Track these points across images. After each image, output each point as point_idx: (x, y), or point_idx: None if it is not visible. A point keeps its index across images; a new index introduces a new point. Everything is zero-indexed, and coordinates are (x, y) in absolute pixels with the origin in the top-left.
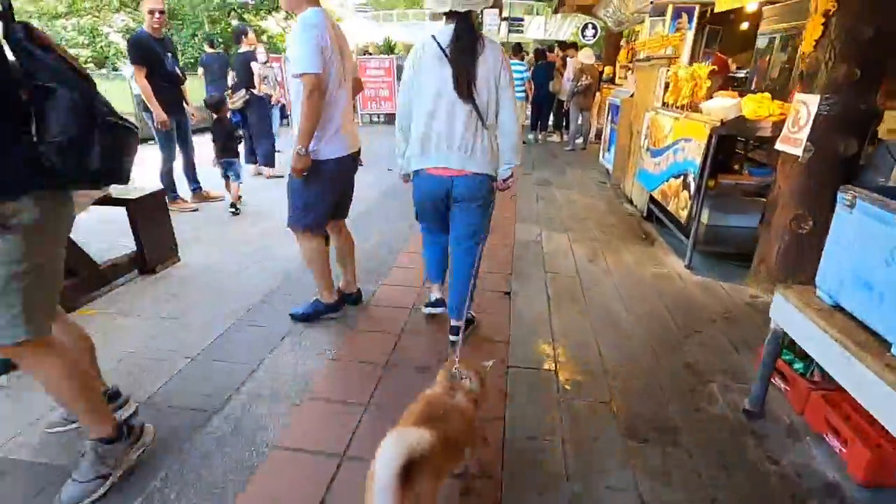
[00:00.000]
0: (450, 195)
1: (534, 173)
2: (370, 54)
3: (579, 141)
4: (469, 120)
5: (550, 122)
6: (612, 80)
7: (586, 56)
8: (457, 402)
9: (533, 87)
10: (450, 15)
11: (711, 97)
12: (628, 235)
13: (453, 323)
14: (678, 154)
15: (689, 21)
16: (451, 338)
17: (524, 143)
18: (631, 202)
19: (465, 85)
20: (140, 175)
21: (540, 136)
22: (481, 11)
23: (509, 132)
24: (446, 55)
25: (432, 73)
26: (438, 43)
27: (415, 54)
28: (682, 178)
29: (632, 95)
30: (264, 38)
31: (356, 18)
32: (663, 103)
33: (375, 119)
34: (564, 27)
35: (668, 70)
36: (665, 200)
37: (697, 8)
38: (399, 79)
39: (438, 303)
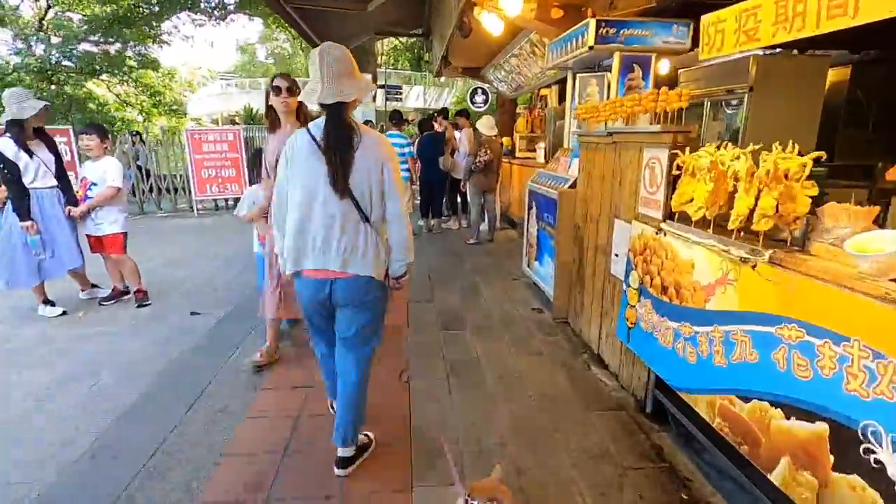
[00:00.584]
0: (331, 299)
1: (435, 296)
2: (236, 123)
3: (484, 229)
4: (348, 217)
5: (444, 206)
6: (511, 153)
7: (486, 126)
8: None
9: (419, 164)
10: (323, 106)
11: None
12: (644, 481)
13: (340, 453)
14: (797, 357)
15: (645, 76)
16: (337, 472)
17: (414, 234)
18: (602, 363)
19: (341, 180)
20: None
21: (433, 224)
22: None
23: (398, 227)
24: (320, 148)
25: (306, 167)
26: (312, 136)
27: (288, 148)
28: (828, 427)
29: (572, 186)
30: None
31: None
32: (670, 214)
33: (221, 204)
34: (445, 95)
35: (680, 155)
36: (740, 436)
37: (654, 58)
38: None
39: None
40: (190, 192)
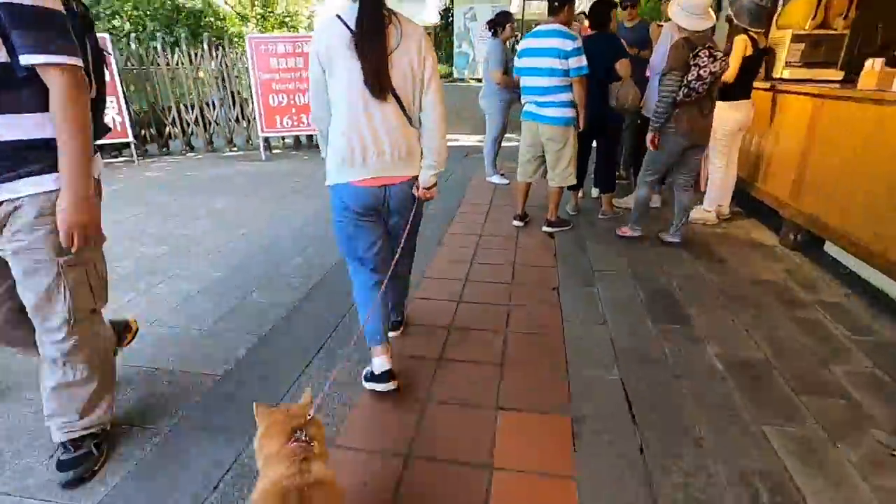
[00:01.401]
0: (384, 208)
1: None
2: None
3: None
4: (394, 118)
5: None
6: (768, 71)
7: (694, 10)
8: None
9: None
10: None
11: None
12: None
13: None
14: None
15: None
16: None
17: (563, 223)
18: None
19: (376, 79)
20: None
21: (603, 199)
22: None
23: (432, 128)
24: (356, 44)
25: (343, 64)
26: (346, 24)
27: (318, 40)
28: None
29: None
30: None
31: None
32: None
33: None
34: None
35: None
36: None
37: None
38: None
39: (386, 376)
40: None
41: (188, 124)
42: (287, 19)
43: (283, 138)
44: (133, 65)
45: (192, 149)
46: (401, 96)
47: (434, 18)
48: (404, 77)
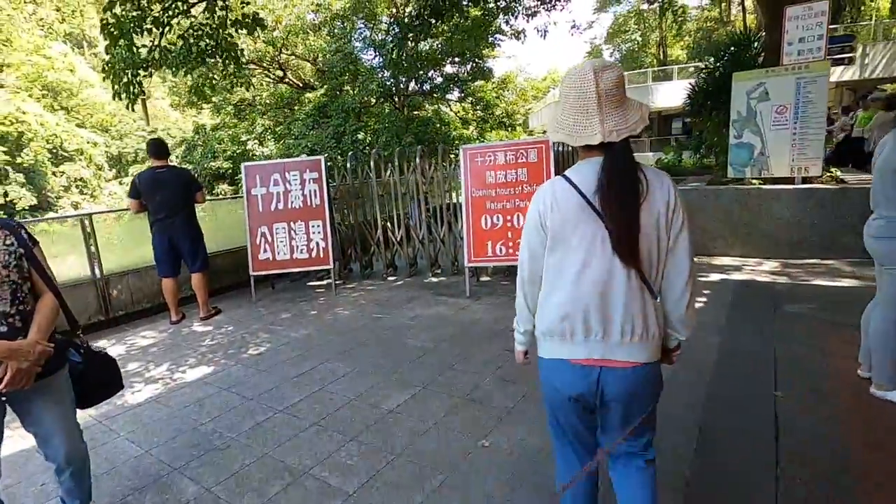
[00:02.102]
0: (601, 394)
1: None
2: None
3: None
4: (630, 289)
5: None
6: None
7: None
8: None
9: None
10: (594, 146)
11: None
12: None
13: None
14: None
15: None
16: None
17: None
18: None
19: (626, 244)
20: None
21: None
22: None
23: (678, 297)
24: (592, 206)
25: (572, 228)
26: (576, 187)
27: (541, 201)
28: None
29: None
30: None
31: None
32: None
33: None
34: None
35: None
36: None
37: None
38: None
39: None
40: (462, 251)
41: (392, 244)
42: (505, 119)
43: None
44: (347, 181)
45: (395, 269)
46: (643, 261)
47: (675, 101)
48: (649, 238)
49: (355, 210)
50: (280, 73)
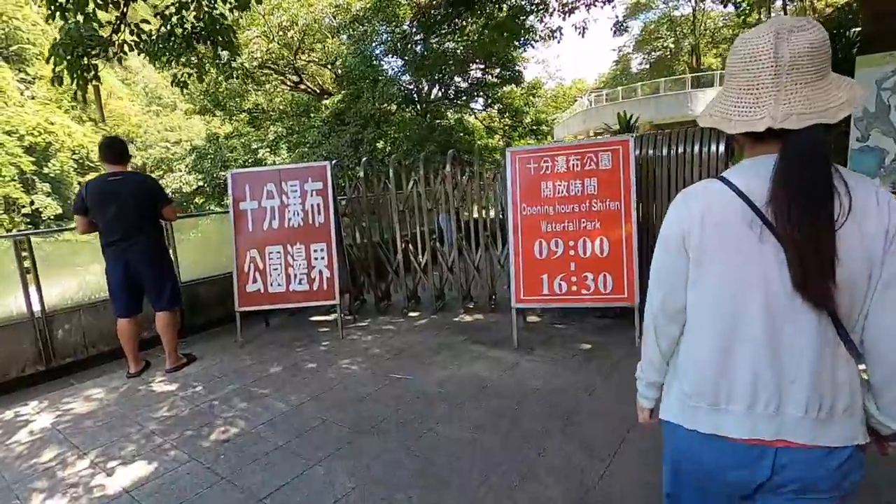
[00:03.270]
0: (771, 482)
1: None
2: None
3: None
4: (820, 341)
5: None
6: None
7: None
8: None
9: None
10: (765, 136)
11: None
12: None
13: None
14: None
15: None
16: None
17: None
18: None
19: (817, 276)
20: None
21: None
22: None
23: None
24: (765, 220)
25: (734, 253)
26: (741, 193)
27: (685, 211)
28: None
29: None
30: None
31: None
32: None
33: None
34: None
35: None
36: None
37: None
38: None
39: None
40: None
41: (415, 270)
42: (535, 127)
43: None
44: (361, 193)
45: (417, 301)
46: (838, 302)
47: None
48: (850, 271)
49: (370, 228)
50: (296, 78)
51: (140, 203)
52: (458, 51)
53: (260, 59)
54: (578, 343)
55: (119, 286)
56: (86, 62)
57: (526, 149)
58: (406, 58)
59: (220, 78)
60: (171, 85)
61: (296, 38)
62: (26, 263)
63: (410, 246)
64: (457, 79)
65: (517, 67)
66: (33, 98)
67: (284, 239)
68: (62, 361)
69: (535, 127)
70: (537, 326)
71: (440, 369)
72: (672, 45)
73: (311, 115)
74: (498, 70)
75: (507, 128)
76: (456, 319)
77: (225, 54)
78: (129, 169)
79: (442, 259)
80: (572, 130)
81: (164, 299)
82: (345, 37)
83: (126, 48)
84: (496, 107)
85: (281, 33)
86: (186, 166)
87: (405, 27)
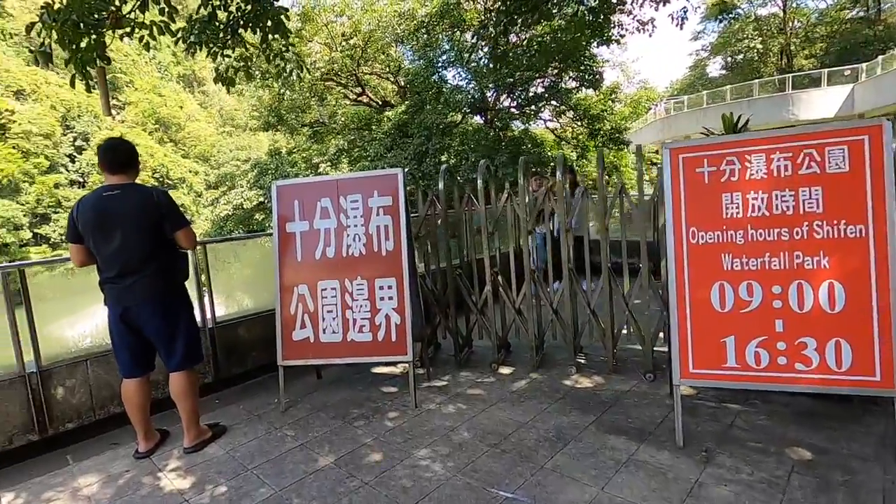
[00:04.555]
0: None
1: None
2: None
3: None
4: None
5: None
6: None
7: None
8: None
9: None
10: None
11: None
12: None
13: None
14: None
15: None
16: None
17: None
18: None
19: None
20: None
21: None
22: None
23: None
24: None
25: None
26: None
27: None
28: None
29: None
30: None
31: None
32: None
33: None
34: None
35: None
36: None
37: None
38: None
39: None
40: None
41: (503, 307)
42: (615, 135)
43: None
44: (437, 210)
45: (508, 351)
46: None
47: (828, 111)
48: None
49: (448, 253)
50: (358, 90)
51: (144, 225)
52: (530, 54)
53: (322, 70)
54: (784, 445)
55: (120, 338)
56: (86, 36)
57: (697, 144)
58: (470, 65)
59: (281, 90)
60: (215, 82)
61: (359, 48)
62: (17, 301)
63: (500, 277)
64: (529, 84)
65: (596, 69)
66: (123, 122)
67: (342, 272)
68: (61, 428)
69: (615, 135)
70: (701, 405)
71: (570, 486)
72: (759, 46)
73: (373, 127)
74: (574, 73)
75: (580, 136)
76: (567, 383)
77: (275, 44)
78: (134, 182)
79: (542, 295)
80: (646, 141)
81: (176, 356)
82: (408, 46)
83: (155, 30)
84: (569, 114)
85: (343, 42)
86: (248, 182)
87: (468, 35)
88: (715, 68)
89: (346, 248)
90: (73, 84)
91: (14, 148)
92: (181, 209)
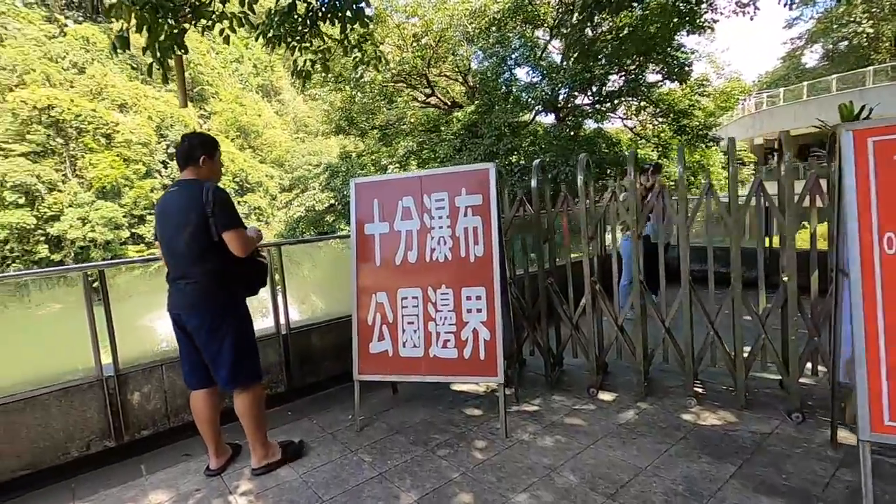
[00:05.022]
0: None
1: None
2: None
3: None
4: None
5: None
6: None
7: None
8: None
9: None
10: None
11: None
12: None
13: None
14: None
15: None
16: None
17: None
18: None
19: None
20: None
21: None
22: None
23: None
24: None
25: None
26: None
27: None
28: None
29: None
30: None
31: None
32: None
33: None
34: None
35: None
36: None
37: None
38: None
39: None
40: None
41: (599, 323)
42: (704, 131)
43: None
44: (530, 209)
45: (605, 372)
46: None
47: None
48: None
49: (541, 259)
50: (428, 91)
51: (193, 224)
52: (613, 46)
53: (394, 71)
54: None
55: (179, 345)
56: (164, 23)
57: (892, 123)
58: (542, 63)
59: (353, 92)
60: (292, 76)
61: (429, 47)
62: (96, 301)
63: (599, 286)
64: (606, 79)
65: (683, 60)
66: (209, 130)
67: (425, 279)
68: (136, 435)
69: (703, 131)
70: (880, 461)
71: None
72: (870, 31)
73: (442, 129)
74: (658, 66)
75: (662, 134)
76: (687, 418)
77: (354, 34)
78: (198, 177)
79: (653, 310)
80: (732, 134)
81: (223, 374)
82: (478, 45)
83: (235, 22)
84: (649, 110)
85: (415, 43)
86: (320, 184)
87: (539, 32)
88: (813, 58)
89: (429, 252)
90: (150, 73)
91: (117, 156)
92: (236, 209)
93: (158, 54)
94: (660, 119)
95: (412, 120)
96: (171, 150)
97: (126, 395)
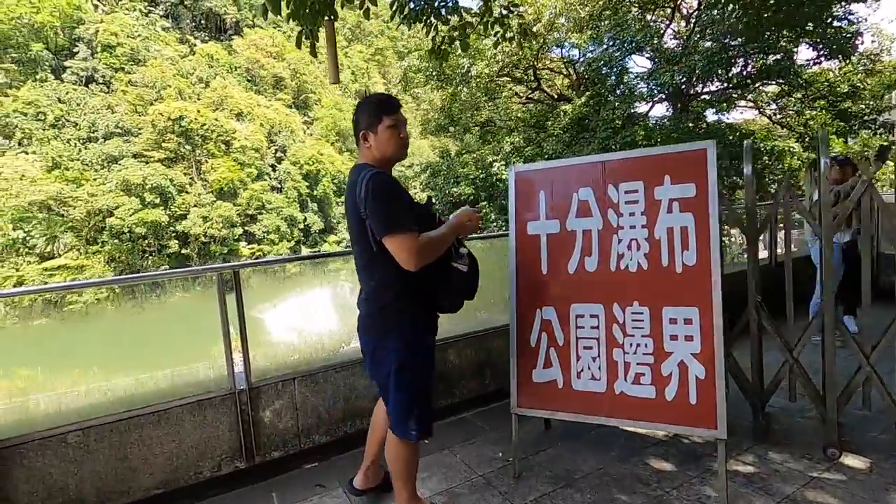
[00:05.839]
0: None
1: None
2: None
3: None
4: None
5: None
6: None
7: None
8: None
9: None
10: None
11: None
12: None
13: None
14: None
15: None
16: None
17: None
18: None
19: None
20: None
21: None
22: None
23: None
24: None
25: None
26: None
27: None
28: None
29: None
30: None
31: None
32: None
33: None
34: None
35: None
36: None
37: None
38: None
39: None
40: None
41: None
42: (869, 116)
43: None
44: (749, 200)
45: (839, 425)
46: None
47: None
48: None
49: (753, 264)
50: (534, 83)
51: (353, 228)
52: (751, 22)
53: (501, 62)
54: None
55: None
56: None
57: None
58: (664, 47)
59: (458, 88)
60: (430, 55)
61: (540, 36)
62: (230, 304)
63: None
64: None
65: (848, 32)
66: (311, 135)
67: (609, 293)
68: (267, 457)
69: (871, 116)
70: None
71: None
72: None
73: (548, 123)
74: (814, 40)
75: (811, 122)
76: None
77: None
78: (366, 160)
79: (849, 338)
80: None
81: (390, 411)
82: (589, 34)
83: None
84: (796, 95)
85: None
86: (421, 183)
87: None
88: None
89: (615, 258)
90: (298, 44)
91: (234, 160)
92: (401, 201)
93: (307, 21)
94: (811, 104)
95: (518, 115)
96: (279, 154)
97: (258, 410)
